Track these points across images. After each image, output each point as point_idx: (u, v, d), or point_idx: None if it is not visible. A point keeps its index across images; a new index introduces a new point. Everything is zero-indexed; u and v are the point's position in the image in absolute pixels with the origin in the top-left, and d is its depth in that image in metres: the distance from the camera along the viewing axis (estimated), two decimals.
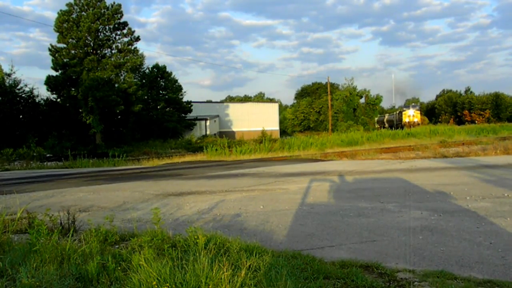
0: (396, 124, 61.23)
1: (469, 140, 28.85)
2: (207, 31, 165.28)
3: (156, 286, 3.41)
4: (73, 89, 34.98)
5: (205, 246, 4.46)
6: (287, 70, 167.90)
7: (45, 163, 24.12)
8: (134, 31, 37.18)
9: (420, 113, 60.62)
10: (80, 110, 33.95)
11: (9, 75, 36.90)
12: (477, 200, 7.95)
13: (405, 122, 58.61)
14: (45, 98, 38.02)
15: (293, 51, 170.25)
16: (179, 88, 47.32)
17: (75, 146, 31.40)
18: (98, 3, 35.49)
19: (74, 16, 35.29)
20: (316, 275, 4.07)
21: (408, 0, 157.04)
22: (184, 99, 47.46)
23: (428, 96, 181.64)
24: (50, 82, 34.98)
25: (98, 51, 36.18)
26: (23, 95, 36.66)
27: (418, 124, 56.07)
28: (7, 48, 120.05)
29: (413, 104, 65.98)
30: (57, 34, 35.30)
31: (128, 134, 38.73)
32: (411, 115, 58.38)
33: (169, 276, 3.53)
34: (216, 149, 25.69)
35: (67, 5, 35.19)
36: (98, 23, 34.96)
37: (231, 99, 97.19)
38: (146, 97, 41.70)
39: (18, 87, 36.48)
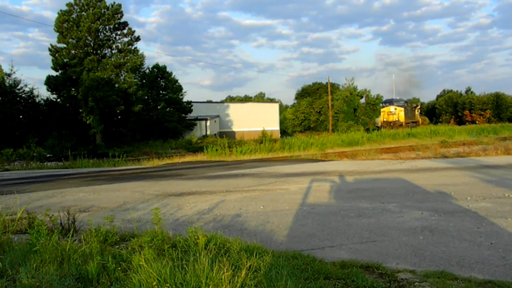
0: (376, 126, 49.67)
1: (469, 140, 28.84)
2: (206, 31, 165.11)
3: (156, 287, 3.40)
4: (73, 89, 34.94)
5: (206, 247, 4.45)
6: (287, 70, 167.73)
7: (45, 163, 24.10)
8: (134, 31, 37.12)
9: (405, 111, 48.33)
10: (80, 110, 33.93)
11: (9, 75, 36.88)
12: (477, 200, 7.94)
13: (383, 122, 47.26)
14: (45, 98, 37.98)
15: (293, 51, 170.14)
16: (179, 88, 47.30)
17: (75, 146, 31.37)
18: (98, 3, 35.46)
19: (74, 16, 35.26)
20: (316, 275, 4.07)
21: (408, 0, 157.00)
22: (184, 99, 47.42)
23: (428, 96, 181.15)
24: (50, 82, 34.97)
25: (98, 51, 36.15)
26: (23, 95, 36.62)
27: (401, 125, 45.13)
28: (7, 48, 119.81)
29: (396, 98, 53.20)
30: (57, 34, 35.26)
31: (128, 134, 38.72)
32: (392, 112, 47.00)
33: (169, 277, 3.52)
34: (217, 149, 25.68)
35: (67, 5, 35.17)
36: (98, 23, 34.94)
37: (231, 99, 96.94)
38: (146, 97, 41.69)
39: (18, 87, 36.45)
